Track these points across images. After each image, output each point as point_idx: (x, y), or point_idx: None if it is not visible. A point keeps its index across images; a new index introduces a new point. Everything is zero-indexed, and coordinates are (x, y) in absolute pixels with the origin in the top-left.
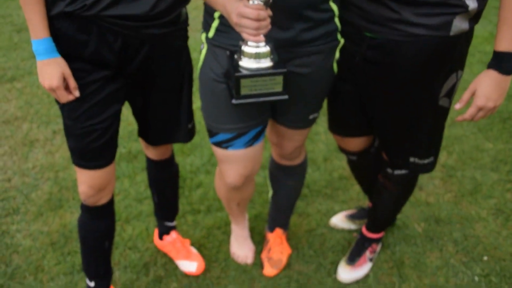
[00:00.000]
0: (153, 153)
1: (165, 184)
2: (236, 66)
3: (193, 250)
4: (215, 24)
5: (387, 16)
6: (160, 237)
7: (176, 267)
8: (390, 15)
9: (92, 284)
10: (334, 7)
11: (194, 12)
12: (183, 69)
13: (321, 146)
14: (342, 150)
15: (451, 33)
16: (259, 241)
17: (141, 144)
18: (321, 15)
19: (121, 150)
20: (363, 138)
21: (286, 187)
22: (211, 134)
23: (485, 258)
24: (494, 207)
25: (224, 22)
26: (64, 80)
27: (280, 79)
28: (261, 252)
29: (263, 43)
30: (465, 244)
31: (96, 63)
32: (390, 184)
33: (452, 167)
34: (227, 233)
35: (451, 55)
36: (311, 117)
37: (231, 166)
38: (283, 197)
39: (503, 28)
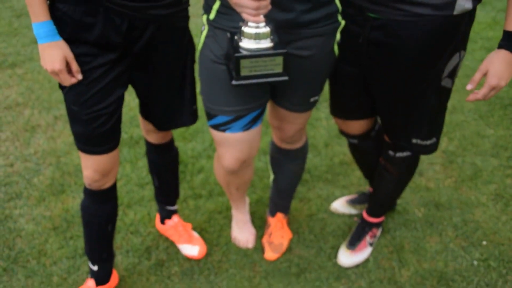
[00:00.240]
0: (154, 137)
1: (165, 168)
2: (236, 47)
3: (195, 234)
4: (216, 5)
5: None
6: (162, 222)
7: (178, 251)
8: None
9: (95, 267)
10: None
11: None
12: (186, 50)
13: (322, 131)
14: (343, 133)
15: (455, 12)
16: (260, 226)
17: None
18: None
19: (123, 135)
20: (365, 120)
21: (287, 171)
22: (209, 116)
23: (484, 242)
24: (494, 192)
25: (225, 3)
26: (67, 63)
27: (280, 60)
28: (262, 236)
29: (263, 24)
30: (465, 229)
31: (102, 46)
32: (391, 167)
33: (452, 153)
34: (228, 218)
35: (454, 35)
36: (312, 100)
37: (228, 150)
38: (284, 181)
39: None
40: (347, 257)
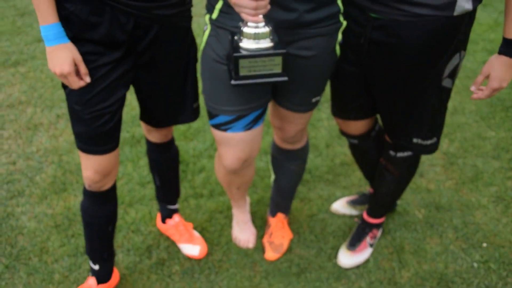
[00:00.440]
0: (155, 136)
1: (166, 167)
2: (236, 47)
3: (196, 234)
4: (218, 5)
5: None
6: (163, 221)
7: (178, 250)
8: None
9: (96, 267)
10: None
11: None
12: (188, 49)
13: (323, 132)
14: (344, 133)
15: (455, 13)
16: (260, 226)
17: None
18: None
19: (124, 134)
20: (365, 121)
21: (288, 171)
22: (211, 116)
23: (485, 245)
24: (495, 194)
25: (228, 3)
26: (75, 65)
27: (279, 60)
28: (262, 236)
29: (262, 24)
30: (465, 231)
31: (107, 44)
32: (392, 167)
33: (453, 154)
34: (229, 217)
35: (454, 35)
36: (313, 100)
37: (229, 149)
38: (285, 181)
39: (510, 15)
40: (347, 258)
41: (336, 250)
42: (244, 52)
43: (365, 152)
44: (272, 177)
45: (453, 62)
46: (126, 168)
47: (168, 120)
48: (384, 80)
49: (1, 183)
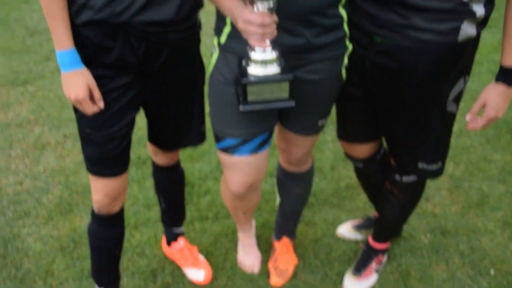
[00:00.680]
0: (162, 158)
1: (172, 190)
2: (243, 72)
3: (201, 258)
4: (227, 29)
5: (396, 22)
6: (168, 244)
7: (183, 275)
8: (399, 20)
9: None
10: (343, 13)
11: (204, 17)
12: (196, 72)
13: (328, 154)
14: (349, 157)
15: (459, 39)
16: (266, 250)
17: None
18: (330, 21)
19: (130, 155)
20: (370, 144)
21: (293, 194)
22: (218, 139)
23: (492, 271)
24: (501, 219)
25: (236, 28)
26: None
27: (286, 85)
28: (267, 260)
29: (269, 49)
30: (472, 257)
31: (119, 68)
32: (397, 191)
33: (459, 178)
34: (234, 241)
35: (458, 61)
36: (319, 123)
37: (235, 173)
38: (290, 205)
39: (508, 43)
40: (353, 284)
41: (341, 275)
42: (252, 78)
43: (370, 176)
44: (277, 200)
45: (457, 87)
46: (132, 189)
47: (176, 142)
48: (388, 104)
49: (8, 203)
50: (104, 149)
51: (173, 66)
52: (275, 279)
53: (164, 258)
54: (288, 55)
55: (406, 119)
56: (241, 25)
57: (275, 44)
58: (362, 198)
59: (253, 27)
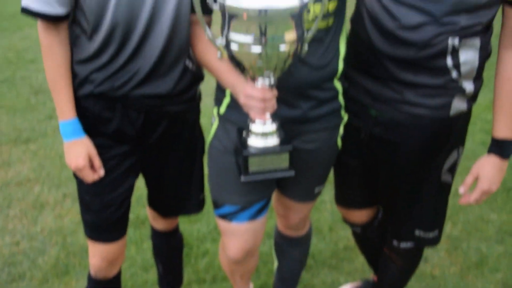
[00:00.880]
0: (161, 223)
1: (170, 255)
2: (244, 144)
3: None
4: (226, 100)
5: (390, 96)
6: None
7: None
8: (393, 95)
9: None
10: (338, 85)
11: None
12: (196, 142)
13: (326, 215)
14: (347, 221)
15: (451, 114)
16: None
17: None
18: (326, 94)
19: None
20: (368, 210)
21: (291, 258)
22: (216, 205)
23: None
24: (501, 281)
25: (235, 99)
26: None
27: (286, 156)
28: None
29: (269, 122)
30: None
31: (117, 138)
32: (395, 257)
33: (457, 238)
34: None
35: (451, 134)
36: (316, 190)
37: (233, 240)
38: (288, 269)
39: (500, 116)
40: None
41: None
42: (252, 150)
43: (368, 241)
44: (275, 263)
45: (451, 158)
46: (130, 251)
47: (174, 210)
48: (384, 173)
49: (2, 265)
50: (102, 215)
51: (172, 136)
52: None
53: None
54: (285, 125)
55: (402, 189)
56: (242, 100)
57: (274, 116)
58: (361, 259)
59: (255, 101)
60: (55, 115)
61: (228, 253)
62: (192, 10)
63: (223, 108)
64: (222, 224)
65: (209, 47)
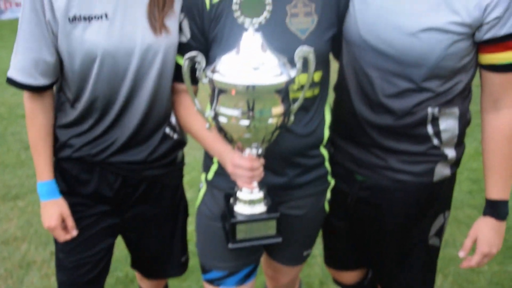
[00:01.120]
0: (147, 284)
1: None
2: (231, 211)
3: None
4: (214, 167)
5: (374, 163)
6: None
7: None
8: (377, 161)
9: None
10: (324, 152)
11: (191, 151)
12: (178, 206)
13: (317, 269)
14: (337, 282)
15: (435, 179)
16: None
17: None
18: (312, 161)
19: (118, 273)
20: (358, 271)
21: None
22: (204, 270)
23: None
24: None
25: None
26: (64, 220)
27: (273, 223)
28: None
29: (257, 189)
30: None
31: (95, 199)
32: None
33: None
34: None
35: (435, 199)
36: (305, 253)
37: None
38: None
39: (492, 177)
40: None
41: None
42: (240, 218)
43: None
44: None
45: (437, 222)
46: None
47: (156, 272)
48: (372, 236)
49: None
50: (74, 274)
51: (152, 200)
52: None
53: None
54: (272, 192)
55: (390, 252)
56: (230, 169)
57: (261, 183)
58: None
59: (243, 171)
60: None
61: None
62: (178, 79)
63: (210, 175)
64: None
65: (195, 117)
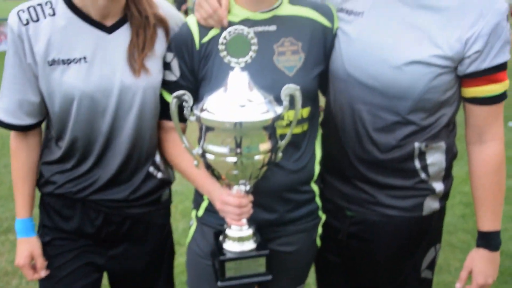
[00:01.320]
0: None
1: None
2: (220, 249)
3: None
4: (204, 204)
5: (363, 198)
6: None
7: None
8: (367, 197)
9: None
10: (315, 188)
11: (184, 180)
12: (164, 244)
13: None
14: None
15: (424, 213)
16: None
17: None
18: (303, 196)
19: None
20: None
21: None
22: None
23: None
24: None
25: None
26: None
27: (263, 260)
28: None
29: (246, 226)
30: None
31: (78, 235)
32: None
33: None
34: None
35: (427, 233)
36: None
37: None
38: None
39: (481, 209)
40: None
41: None
42: (229, 255)
43: None
44: None
45: (429, 255)
46: None
47: None
48: (365, 270)
49: None
50: None
51: (137, 238)
52: None
53: None
54: (262, 229)
55: (382, 285)
56: (219, 206)
57: (251, 220)
58: None
59: (231, 208)
60: (37, 202)
61: None
62: (166, 117)
63: (201, 212)
64: None
65: (183, 154)
